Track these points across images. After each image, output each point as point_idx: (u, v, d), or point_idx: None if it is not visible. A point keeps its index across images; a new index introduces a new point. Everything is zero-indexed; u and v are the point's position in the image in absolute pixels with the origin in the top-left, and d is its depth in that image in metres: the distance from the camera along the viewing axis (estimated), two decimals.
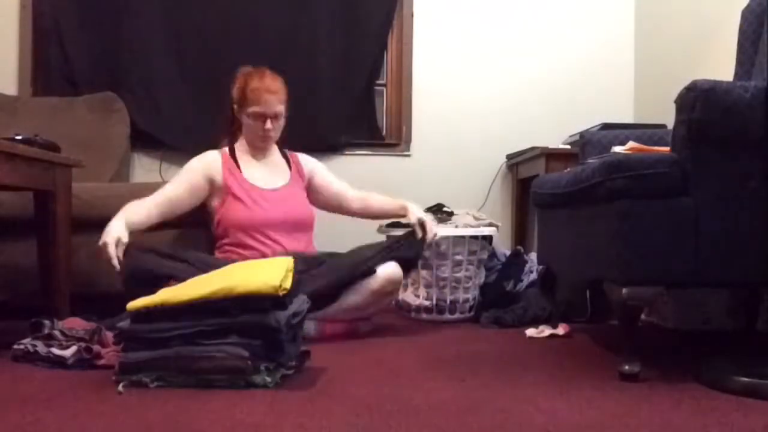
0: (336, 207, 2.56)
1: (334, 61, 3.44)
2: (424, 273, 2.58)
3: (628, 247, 1.55)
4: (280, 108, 2.34)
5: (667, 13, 3.31)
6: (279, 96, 2.33)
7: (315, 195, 2.51)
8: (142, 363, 1.47)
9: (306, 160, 2.55)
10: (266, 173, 2.41)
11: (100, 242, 2.01)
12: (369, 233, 2.69)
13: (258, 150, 2.42)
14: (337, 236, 2.71)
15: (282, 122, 2.38)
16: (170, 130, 3.34)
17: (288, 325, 1.51)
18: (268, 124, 2.33)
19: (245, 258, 2.18)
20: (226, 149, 2.41)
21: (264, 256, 2.18)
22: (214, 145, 2.46)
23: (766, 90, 1.52)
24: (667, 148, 1.67)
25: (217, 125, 2.53)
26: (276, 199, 2.35)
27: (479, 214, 2.75)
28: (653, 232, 1.54)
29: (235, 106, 2.37)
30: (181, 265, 2.00)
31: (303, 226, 2.38)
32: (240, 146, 2.43)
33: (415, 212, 2.39)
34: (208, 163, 2.35)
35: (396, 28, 3.59)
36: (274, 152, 2.48)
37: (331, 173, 2.59)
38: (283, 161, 2.49)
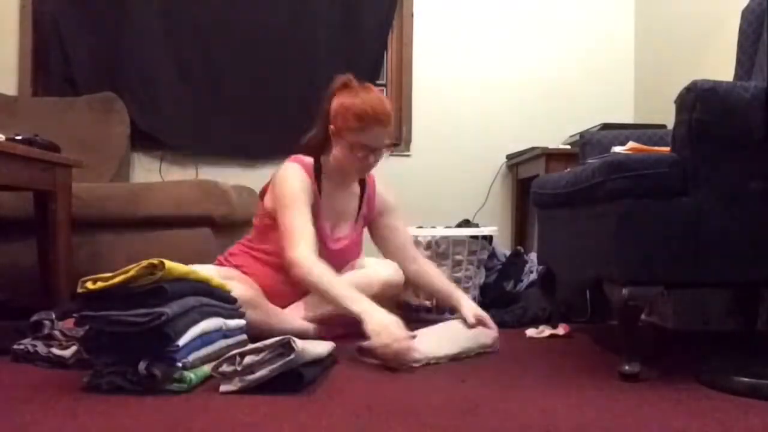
0: (391, 257, 2.24)
1: (334, 61, 3.44)
2: None
3: (628, 247, 1.55)
4: (389, 140, 2.09)
5: (667, 13, 3.31)
6: (390, 128, 2.06)
7: (375, 232, 2.27)
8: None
9: (381, 198, 2.26)
10: (337, 209, 2.16)
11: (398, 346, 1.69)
12: None
13: (348, 177, 2.15)
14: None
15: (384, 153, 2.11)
16: (170, 130, 3.35)
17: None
18: (372, 159, 2.06)
19: (261, 271, 2.10)
20: (309, 164, 2.10)
21: (280, 282, 2.06)
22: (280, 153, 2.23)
23: (766, 90, 1.52)
24: (667, 149, 1.67)
25: (305, 140, 2.16)
26: (332, 252, 2.10)
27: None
28: (653, 232, 1.54)
29: (332, 127, 2.04)
30: None
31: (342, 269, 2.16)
32: (325, 164, 2.13)
33: (471, 307, 2.02)
34: (306, 186, 2.04)
35: (396, 28, 3.59)
36: (355, 178, 2.19)
37: (401, 219, 2.29)
38: (358, 190, 2.22)
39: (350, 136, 1.99)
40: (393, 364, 1.68)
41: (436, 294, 2.26)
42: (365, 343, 1.73)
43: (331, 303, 1.89)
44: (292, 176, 2.04)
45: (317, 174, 2.11)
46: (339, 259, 2.12)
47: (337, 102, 2.03)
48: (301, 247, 1.90)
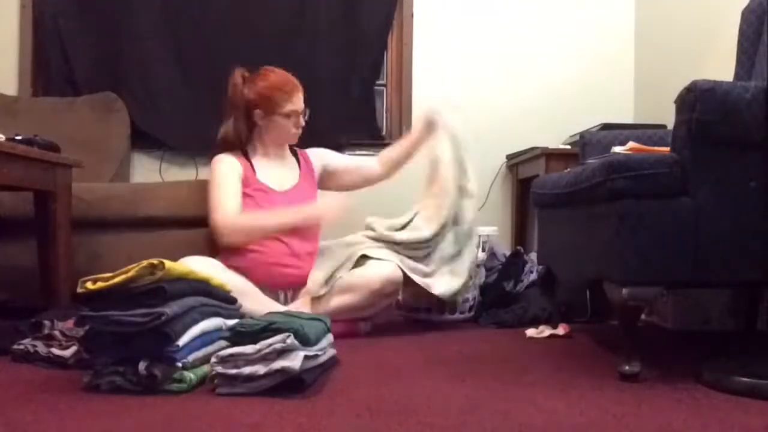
0: (362, 180, 2.53)
1: (334, 61, 3.44)
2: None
3: (628, 247, 1.55)
4: (303, 103, 2.37)
5: (667, 13, 3.31)
6: (302, 90, 2.36)
7: (336, 180, 2.50)
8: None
9: (314, 154, 2.51)
10: (278, 174, 2.36)
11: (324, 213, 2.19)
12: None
13: (280, 149, 2.39)
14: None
15: None
16: (170, 130, 3.35)
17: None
18: (302, 120, 2.35)
19: (253, 255, 2.17)
20: (239, 153, 2.34)
21: (270, 254, 2.17)
22: (215, 148, 2.37)
23: (766, 90, 1.52)
24: (667, 149, 1.67)
25: (220, 133, 2.38)
26: (284, 201, 2.30)
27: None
28: (653, 232, 1.54)
29: (259, 112, 2.29)
30: None
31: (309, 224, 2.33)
32: (252, 149, 2.36)
33: (425, 115, 2.43)
34: (236, 163, 2.29)
35: (396, 28, 3.59)
36: (286, 151, 2.43)
37: (342, 155, 2.62)
38: (293, 159, 2.45)
39: (282, 107, 2.28)
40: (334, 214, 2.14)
41: (412, 149, 2.53)
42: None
43: (270, 231, 2.16)
44: (218, 162, 2.28)
45: (246, 156, 2.33)
46: (290, 204, 2.28)
47: (253, 90, 2.29)
48: (222, 210, 2.16)
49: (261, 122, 2.31)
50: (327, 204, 2.18)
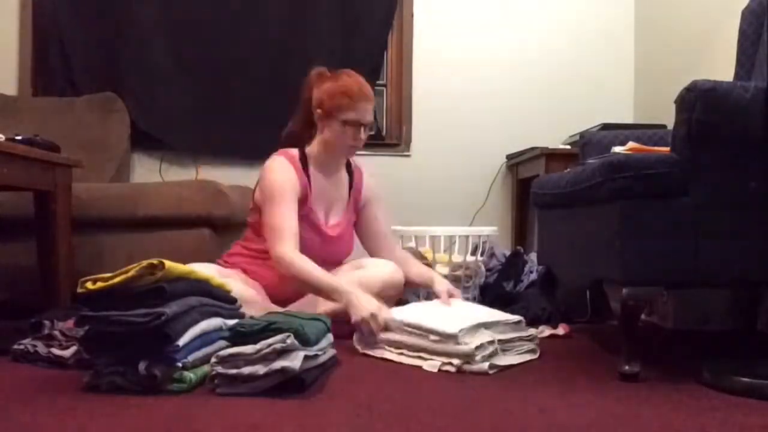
0: (369, 245, 2.33)
1: (334, 61, 3.43)
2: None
3: (628, 247, 1.55)
4: (372, 118, 2.18)
5: (667, 13, 3.31)
6: (373, 103, 2.17)
7: (359, 220, 2.32)
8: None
9: (368, 186, 2.33)
10: (328, 197, 2.22)
11: (367, 315, 1.83)
12: None
13: (337, 161, 2.23)
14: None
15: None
16: (170, 130, 3.35)
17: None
18: (362, 134, 2.14)
19: (261, 267, 2.13)
20: (295, 156, 2.16)
21: (278, 276, 2.08)
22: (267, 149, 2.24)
23: (766, 90, 1.52)
24: (667, 149, 1.67)
25: (289, 130, 2.27)
26: (327, 240, 2.18)
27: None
28: (653, 232, 1.54)
29: (320, 111, 2.14)
30: None
31: (339, 262, 2.24)
32: (311, 154, 2.19)
33: (444, 283, 2.14)
34: (294, 181, 2.10)
35: (396, 29, 3.59)
36: (341, 165, 2.27)
37: (383, 210, 2.37)
38: (346, 179, 2.28)
39: (341, 114, 2.10)
40: (367, 335, 1.83)
41: (415, 279, 2.26)
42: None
43: (315, 291, 2.00)
44: (278, 169, 2.11)
45: (304, 164, 2.16)
46: (336, 245, 2.19)
47: (320, 89, 2.15)
48: (286, 243, 1.99)
49: (320, 123, 2.16)
50: (370, 308, 1.84)
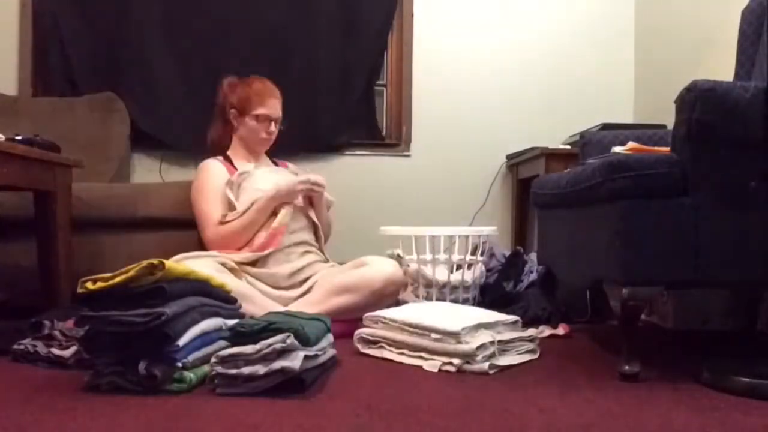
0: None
1: (334, 61, 3.44)
2: (423, 272, 2.58)
3: (628, 247, 1.55)
4: (280, 113, 2.47)
5: (667, 13, 3.31)
6: (280, 101, 2.47)
7: None
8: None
9: (293, 168, 2.59)
10: (275, 176, 2.42)
11: (296, 187, 2.26)
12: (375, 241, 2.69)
13: (255, 154, 2.49)
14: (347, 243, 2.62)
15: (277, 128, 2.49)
16: (170, 130, 3.35)
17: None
18: (272, 127, 2.44)
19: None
20: (221, 157, 2.45)
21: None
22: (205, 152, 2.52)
23: (766, 90, 1.52)
24: (667, 149, 1.67)
25: (211, 137, 2.57)
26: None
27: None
28: (653, 232, 1.54)
29: (234, 111, 2.44)
30: None
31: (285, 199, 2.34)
32: (233, 154, 2.48)
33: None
34: (222, 171, 2.37)
35: (396, 28, 3.59)
36: (265, 159, 2.55)
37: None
38: (271, 164, 2.57)
39: (253, 110, 2.41)
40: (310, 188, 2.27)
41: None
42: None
43: (254, 223, 2.24)
44: (204, 168, 2.40)
45: (228, 160, 2.44)
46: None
47: (233, 93, 2.45)
48: (211, 227, 2.26)
49: (234, 122, 2.45)
50: (290, 182, 2.27)
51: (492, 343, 1.71)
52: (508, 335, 1.79)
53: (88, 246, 2.39)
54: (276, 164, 2.58)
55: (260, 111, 2.41)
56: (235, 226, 2.24)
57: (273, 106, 2.44)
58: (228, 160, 2.45)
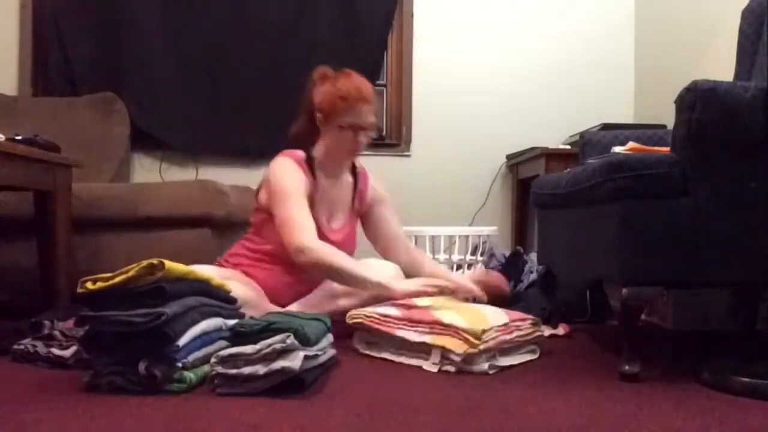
0: (380, 247, 2.30)
1: (334, 61, 3.42)
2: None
3: (628, 247, 1.55)
4: (374, 118, 2.13)
5: (667, 13, 3.31)
6: (374, 105, 2.13)
7: (367, 223, 2.30)
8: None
9: (374, 190, 2.30)
10: (332, 200, 2.19)
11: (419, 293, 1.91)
12: None
13: (340, 164, 2.19)
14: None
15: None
16: (170, 131, 3.35)
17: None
18: (362, 137, 2.11)
19: (261, 270, 2.10)
20: (301, 158, 2.13)
21: (280, 280, 2.09)
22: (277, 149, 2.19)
23: (766, 90, 1.52)
24: (667, 149, 1.67)
25: (293, 134, 2.22)
26: (332, 244, 2.09)
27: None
28: (653, 232, 1.54)
29: (319, 115, 2.11)
30: None
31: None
32: (315, 156, 2.16)
33: (463, 278, 2.19)
34: (303, 180, 2.08)
35: (396, 28, 3.59)
36: (345, 168, 2.23)
37: (392, 210, 2.32)
38: (350, 182, 2.25)
39: (339, 118, 2.07)
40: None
41: (420, 271, 2.23)
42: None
43: (345, 281, 1.99)
44: (287, 169, 2.08)
45: (310, 166, 2.14)
46: (340, 250, 2.12)
47: (320, 91, 2.12)
48: (307, 234, 1.95)
49: (321, 127, 2.13)
50: (420, 287, 1.93)
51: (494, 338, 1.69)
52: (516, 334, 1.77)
53: (88, 246, 2.39)
54: (355, 170, 2.26)
55: (347, 120, 2.06)
56: (332, 257, 1.95)
57: (363, 113, 2.07)
58: (308, 161, 2.14)
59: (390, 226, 2.29)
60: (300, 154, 2.16)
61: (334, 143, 2.12)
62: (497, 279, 2.22)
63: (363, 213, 2.29)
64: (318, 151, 2.17)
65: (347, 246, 2.18)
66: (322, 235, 2.08)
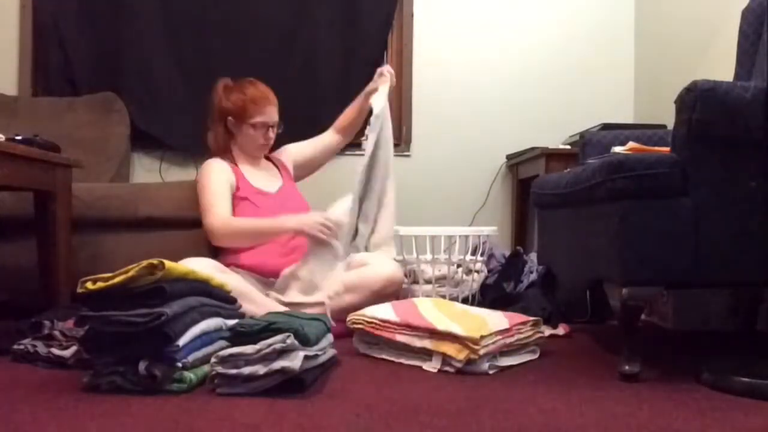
0: (329, 153, 2.70)
1: (333, 61, 3.44)
2: (423, 272, 2.58)
3: (628, 247, 1.55)
4: (277, 118, 2.44)
5: (667, 13, 3.31)
6: (276, 106, 2.44)
7: (309, 166, 2.66)
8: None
9: (281, 153, 2.62)
10: (264, 176, 2.47)
11: (319, 223, 2.14)
12: None
13: (255, 158, 2.49)
14: None
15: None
16: (170, 131, 3.35)
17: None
18: (271, 133, 2.43)
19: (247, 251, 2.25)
20: (229, 159, 2.44)
21: (269, 250, 2.24)
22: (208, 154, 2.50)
23: (766, 90, 1.52)
24: (667, 149, 1.67)
25: (208, 139, 2.56)
26: (278, 200, 2.39)
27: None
28: (653, 232, 1.54)
29: (231, 119, 2.42)
30: None
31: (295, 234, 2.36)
32: (237, 157, 2.47)
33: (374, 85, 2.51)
34: (227, 169, 2.37)
35: (396, 28, 3.59)
36: (262, 159, 2.54)
37: (301, 143, 2.68)
38: (271, 164, 2.56)
39: (251, 119, 2.39)
40: (317, 234, 2.13)
41: (360, 114, 2.61)
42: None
43: (263, 236, 2.23)
44: (207, 167, 2.39)
45: (233, 162, 2.44)
46: (289, 203, 2.39)
47: (229, 99, 2.42)
48: (214, 214, 2.23)
49: (233, 130, 2.43)
50: (312, 219, 2.18)
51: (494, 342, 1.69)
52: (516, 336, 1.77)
53: (88, 246, 2.39)
54: (270, 159, 2.57)
55: (257, 119, 2.39)
56: (241, 223, 2.25)
57: (269, 112, 2.41)
58: (233, 161, 2.44)
59: (311, 149, 2.67)
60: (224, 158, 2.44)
61: (247, 141, 2.43)
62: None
63: (297, 171, 2.62)
64: (235, 152, 2.47)
65: (291, 201, 2.43)
66: (267, 197, 2.38)
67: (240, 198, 2.34)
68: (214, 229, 2.22)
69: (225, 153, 2.47)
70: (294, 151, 2.65)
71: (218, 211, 2.24)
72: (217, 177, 2.33)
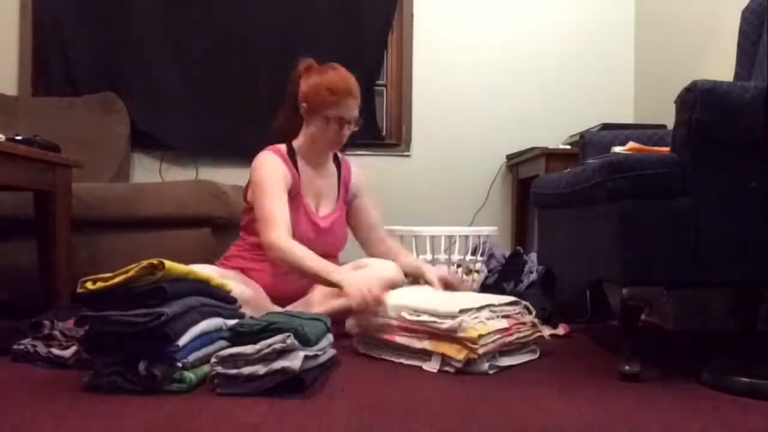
0: (361, 236, 2.34)
1: (334, 61, 3.43)
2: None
3: (628, 247, 1.55)
4: (357, 113, 2.17)
5: (667, 13, 3.31)
6: (358, 99, 2.16)
7: (349, 212, 2.33)
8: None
9: (357, 176, 2.33)
10: (319, 188, 2.22)
11: (367, 296, 1.81)
12: None
13: (322, 155, 2.22)
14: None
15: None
16: (170, 131, 3.35)
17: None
18: (346, 130, 2.15)
19: (259, 266, 2.13)
20: (283, 150, 2.17)
21: (278, 273, 2.11)
22: (260, 145, 2.20)
23: (766, 90, 1.52)
24: (667, 149, 1.67)
25: (276, 123, 2.25)
26: (320, 231, 2.17)
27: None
28: (653, 232, 1.54)
29: (305, 105, 2.14)
30: None
31: (334, 255, 2.25)
32: (298, 147, 2.20)
33: (435, 271, 2.21)
34: (283, 172, 2.11)
35: (396, 28, 3.59)
36: (328, 158, 2.27)
37: (373, 200, 2.37)
38: (335, 171, 2.28)
39: (325, 110, 2.10)
40: (363, 313, 1.82)
41: (404, 269, 2.21)
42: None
43: (310, 277, 2.01)
44: (267, 163, 2.11)
45: (292, 157, 2.17)
46: (329, 236, 2.19)
47: (307, 82, 2.15)
48: (278, 230, 1.98)
49: (305, 117, 2.16)
50: (362, 285, 1.85)
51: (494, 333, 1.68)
52: (515, 336, 1.76)
53: (88, 246, 2.39)
54: (338, 160, 2.30)
55: (333, 112, 2.10)
56: (299, 256, 1.96)
57: (348, 106, 2.11)
58: (290, 153, 2.17)
59: (371, 215, 2.34)
60: (281, 147, 2.19)
61: (318, 134, 2.15)
62: (458, 282, 2.26)
63: (348, 201, 2.32)
64: (301, 141, 2.20)
65: (336, 231, 2.23)
66: (310, 221, 2.15)
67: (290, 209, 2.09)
68: (273, 249, 1.97)
69: (290, 136, 2.20)
70: (364, 192, 2.33)
71: (282, 233, 1.98)
72: (276, 180, 2.06)
